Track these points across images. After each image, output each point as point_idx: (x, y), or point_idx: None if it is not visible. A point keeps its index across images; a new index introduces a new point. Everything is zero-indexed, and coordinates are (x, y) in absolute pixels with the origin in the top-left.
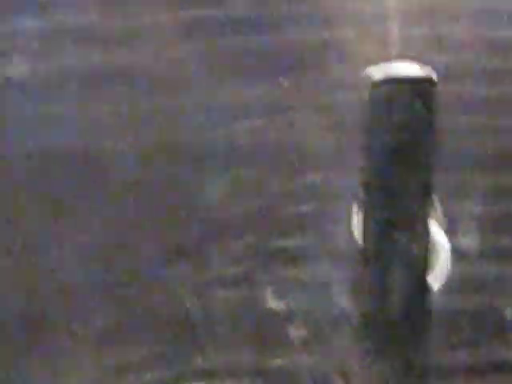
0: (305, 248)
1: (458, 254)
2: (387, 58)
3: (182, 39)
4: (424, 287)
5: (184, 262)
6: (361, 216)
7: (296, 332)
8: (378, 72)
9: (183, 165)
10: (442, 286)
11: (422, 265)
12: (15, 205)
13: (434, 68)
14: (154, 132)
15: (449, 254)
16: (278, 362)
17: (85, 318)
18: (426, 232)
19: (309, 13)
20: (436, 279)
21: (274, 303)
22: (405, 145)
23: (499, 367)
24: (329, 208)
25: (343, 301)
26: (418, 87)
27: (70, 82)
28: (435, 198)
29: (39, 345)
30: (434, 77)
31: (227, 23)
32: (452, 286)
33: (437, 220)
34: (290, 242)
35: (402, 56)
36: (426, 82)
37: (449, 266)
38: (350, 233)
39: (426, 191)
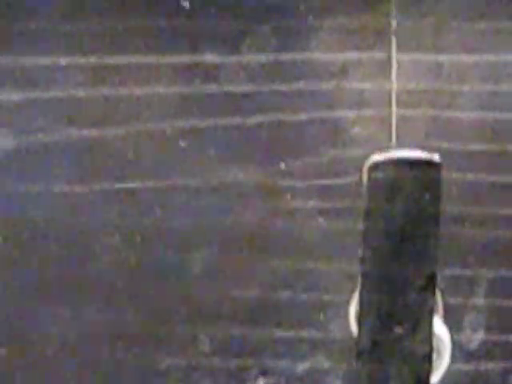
0: (300, 339)
1: (460, 349)
2: (389, 142)
3: (174, 115)
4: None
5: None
6: (359, 307)
7: None
8: (379, 155)
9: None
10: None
11: (423, 362)
12: None
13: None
14: (141, 212)
15: (449, 350)
16: None
17: None
18: (430, 327)
19: (308, 92)
20: (435, 375)
21: None
22: (408, 233)
23: None
24: (326, 298)
25: None
26: (423, 171)
27: (53, 158)
28: (438, 290)
29: None
30: (439, 161)
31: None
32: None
33: (438, 314)
34: (283, 333)
35: (405, 139)
36: (430, 166)
37: (448, 362)
38: (348, 324)
39: (430, 283)
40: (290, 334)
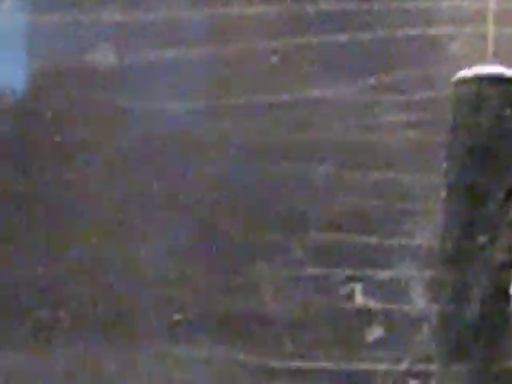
0: (388, 246)
1: None
2: (484, 59)
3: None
4: (503, 292)
5: None
6: (444, 216)
7: (375, 332)
8: (466, 71)
9: None
10: None
11: (502, 271)
12: None
13: None
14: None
15: None
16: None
17: None
18: (510, 237)
19: (404, 9)
20: None
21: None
22: (490, 147)
23: None
24: (413, 207)
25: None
26: (506, 87)
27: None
28: None
29: None
30: None
31: None
32: None
33: None
34: (373, 240)
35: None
36: None
37: None
38: (434, 233)
39: (510, 196)
40: (379, 241)
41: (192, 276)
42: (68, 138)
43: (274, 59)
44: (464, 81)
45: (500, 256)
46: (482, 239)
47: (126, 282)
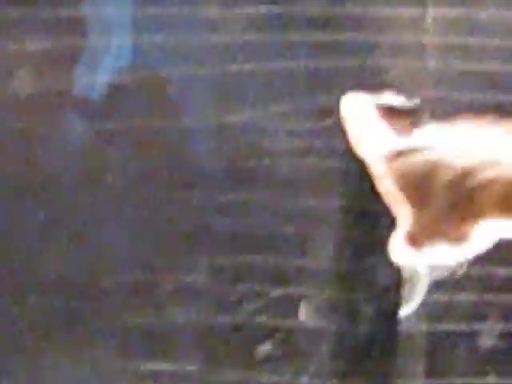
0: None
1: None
2: None
3: None
4: (391, 313)
5: None
6: (338, 239)
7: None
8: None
9: None
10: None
11: (387, 291)
12: None
13: None
14: None
15: (425, 282)
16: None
17: None
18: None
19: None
20: (408, 306)
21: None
22: None
23: None
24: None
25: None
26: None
27: None
28: None
29: None
30: None
31: None
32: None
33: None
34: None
35: None
36: None
37: (423, 294)
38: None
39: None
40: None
41: None
42: None
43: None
44: None
45: (384, 279)
46: (370, 261)
47: None
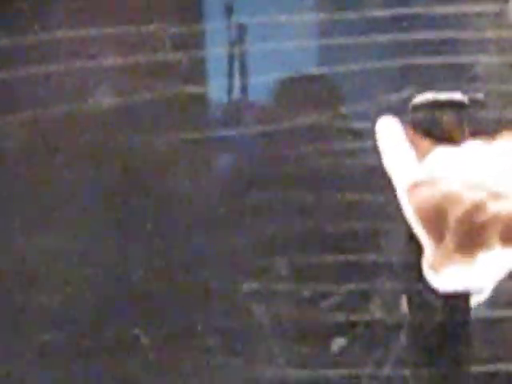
0: (364, 262)
1: None
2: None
3: None
4: (463, 301)
5: None
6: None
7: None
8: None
9: None
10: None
11: None
12: None
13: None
14: None
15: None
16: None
17: None
18: None
19: None
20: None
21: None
22: None
23: None
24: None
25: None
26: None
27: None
28: None
29: None
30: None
31: None
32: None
33: None
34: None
35: None
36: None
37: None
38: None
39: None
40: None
41: None
42: None
43: None
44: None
45: None
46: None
47: None
